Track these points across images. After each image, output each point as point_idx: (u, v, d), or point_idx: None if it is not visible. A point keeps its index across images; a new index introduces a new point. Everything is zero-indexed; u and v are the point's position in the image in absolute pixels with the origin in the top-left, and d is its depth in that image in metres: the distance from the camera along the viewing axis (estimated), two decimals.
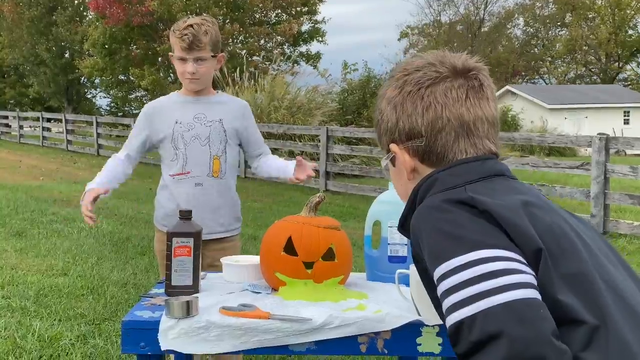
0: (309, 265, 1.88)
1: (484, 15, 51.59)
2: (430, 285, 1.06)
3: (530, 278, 0.92)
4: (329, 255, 1.90)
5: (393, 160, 1.25)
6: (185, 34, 2.50)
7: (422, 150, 1.18)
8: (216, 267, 2.56)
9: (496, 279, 0.90)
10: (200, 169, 2.61)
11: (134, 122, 14.39)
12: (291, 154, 13.26)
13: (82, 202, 2.46)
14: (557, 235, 1.00)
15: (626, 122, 33.79)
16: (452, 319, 0.92)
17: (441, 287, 0.96)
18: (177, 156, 2.62)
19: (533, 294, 0.90)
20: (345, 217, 8.77)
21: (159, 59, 28.75)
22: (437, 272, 0.97)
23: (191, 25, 2.51)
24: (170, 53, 2.64)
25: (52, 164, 16.22)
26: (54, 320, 3.91)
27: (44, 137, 22.84)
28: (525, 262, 0.95)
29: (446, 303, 0.94)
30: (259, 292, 1.92)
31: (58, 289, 4.62)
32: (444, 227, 1.00)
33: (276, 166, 2.80)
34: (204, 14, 2.73)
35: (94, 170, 11.07)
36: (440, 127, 1.15)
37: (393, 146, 1.22)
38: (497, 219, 0.98)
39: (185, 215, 1.89)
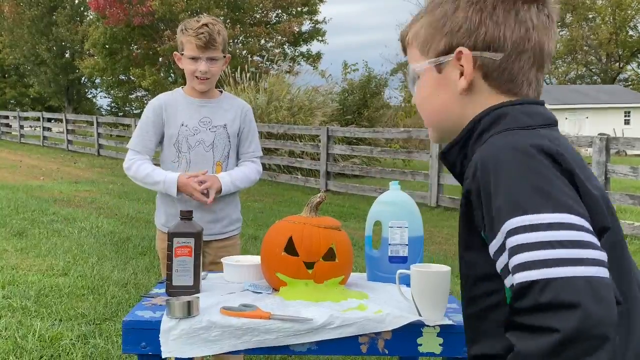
0: (309, 265, 1.88)
1: None
2: (469, 225, 1.02)
3: (605, 257, 0.87)
4: (329, 255, 1.90)
5: (441, 67, 1.11)
6: (202, 33, 2.50)
7: (493, 67, 1.07)
8: (218, 265, 2.57)
9: (580, 249, 0.85)
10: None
11: (135, 122, 14.37)
12: (292, 154, 13.27)
13: (190, 184, 2.47)
14: (610, 208, 0.97)
15: (627, 122, 33.80)
16: (525, 276, 0.85)
17: (514, 239, 0.88)
18: (179, 158, 2.62)
19: (608, 274, 0.86)
20: (345, 217, 8.77)
21: (160, 59, 28.75)
22: (513, 222, 0.88)
23: (206, 24, 2.52)
24: (175, 52, 2.63)
25: (52, 163, 16.23)
26: (55, 320, 3.91)
27: (44, 137, 22.84)
28: (597, 239, 0.89)
29: (519, 257, 0.86)
30: (260, 292, 1.92)
31: (59, 289, 4.62)
32: (532, 177, 0.90)
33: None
34: (205, 14, 2.72)
35: (95, 170, 11.14)
36: (524, 49, 1.06)
37: (464, 50, 1.07)
38: (577, 184, 0.93)
39: (186, 215, 1.89)
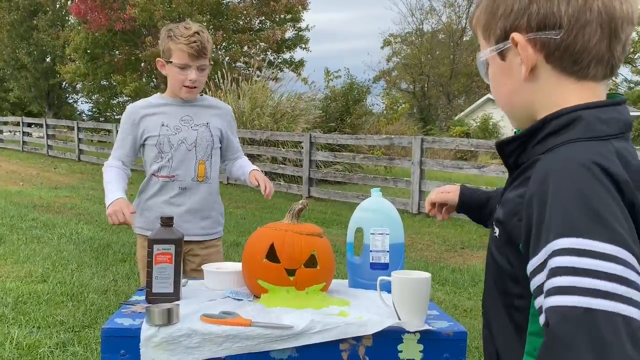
0: (291, 272, 1.87)
1: (465, 24, 52.02)
2: (511, 245, 0.98)
3: None
4: (311, 262, 1.90)
5: (503, 54, 1.03)
6: (194, 41, 2.47)
7: (554, 46, 0.97)
8: (200, 272, 2.55)
9: (627, 288, 0.78)
10: (185, 173, 2.61)
11: (117, 128, 14.30)
12: (274, 161, 13.25)
13: (118, 213, 2.37)
14: None
15: None
16: (564, 301, 0.78)
17: (558, 260, 0.81)
18: (162, 159, 2.61)
19: None
20: (327, 223, 8.78)
21: (142, 64, 28.60)
22: (562, 242, 0.81)
23: (197, 33, 2.50)
24: (159, 59, 2.58)
25: (32, 169, 16.05)
26: (33, 327, 3.86)
27: (24, 142, 22.60)
28: None
29: (559, 280, 0.80)
30: (241, 299, 1.91)
31: (37, 296, 4.56)
32: (592, 199, 0.83)
33: (239, 164, 2.82)
34: (189, 20, 2.71)
35: (75, 176, 11.03)
36: (586, 21, 0.95)
37: (517, 35, 0.99)
38: (638, 218, 0.85)
39: (166, 222, 1.88)
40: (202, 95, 2.74)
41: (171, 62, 2.52)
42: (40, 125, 22.01)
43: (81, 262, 5.79)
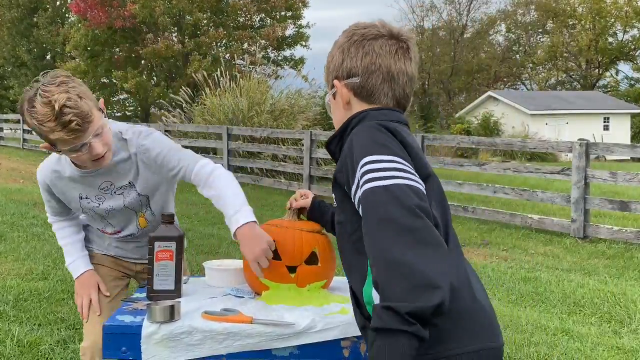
0: (292, 269, 1.88)
1: (466, 21, 51.98)
2: (342, 193, 1.41)
3: (420, 182, 1.31)
4: (312, 259, 1.90)
5: (335, 95, 1.56)
6: (69, 121, 1.86)
7: (357, 87, 1.50)
8: None
9: (404, 173, 1.28)
10: (127, 229, 2.29)
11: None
12: (275, 158, 13.25)
13: (85, 295, 2.22)
14: (423, 162, 1.40)
15: (606, 128, 34.18)
16: (372, 184, 1.27)
17: (365, 167, 1.29)
18: (102, 224, 2.29)
19: (419, 186, 1.29)
20: None
21: (142, 61, 28.60)
22: (365, 159, 1.30)
23: (65, 106, 1.86)
24: (44, 144, 1.98)
25: (32, 166, 16.04)
26: (34, 324, 3.86)
27: (24, 140, 22.58)
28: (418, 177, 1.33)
29: (368, 175, 1.28)
30: (242, 297, 1.91)
31: (38, 293, 4.56)
32: (377, 138, 1.35)
33: (216, 201, 2.10)
34: (43, 85, 1.95)
35: None
36: (372, 70, 1.49)
37: (336, 82, 1.53)
38: (407, 148, 1.36)
39: (167, 219, 1.88)
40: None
41: (60, 150, 1.97)
42: None
43: None
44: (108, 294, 2.28)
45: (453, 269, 1.31)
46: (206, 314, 1.66)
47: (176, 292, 1.85)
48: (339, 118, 1.56)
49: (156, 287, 1.84)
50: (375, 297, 1.24)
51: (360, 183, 1.29)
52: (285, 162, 12.93)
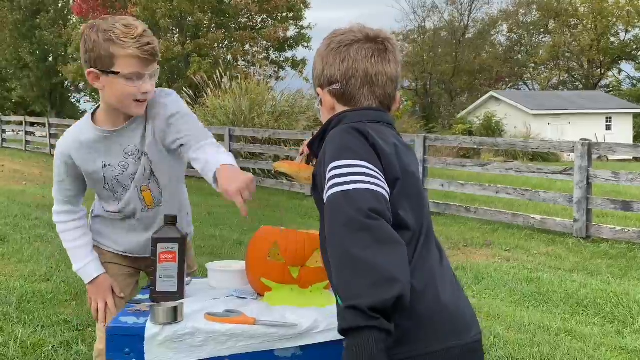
0: (295, 271, 1.88)
1: (468, 21, 51.99)
2: (319, 196, 1.44)
3: (383, 187, 1.34)
4: (314, 260, 1.90)
5: (321, 101, 1.60)
6: (148, 42, 1.95)
7: (338, 93, 1.54)
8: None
9: (368, 177, 1.31)
10: (132, 207, 2.20)
11: None
12: (277, 159, 13.25)
13: (100, 299, 2.18)
14: (409, 173, 1.45)
15: (608, 127, 34.15)
16: (334, 189, 1.31)
17: (332, 172, 1.33)
18: (116, 198, 2.20)
19: (381, 190, 1.32)
20: None
21: None
22: (332, 164, 1.34)
23: (145, 30, 1.97)
24: (91, 70, 1.98)
25: (35, 168, 16.08)
26: (37, 326, 3.87)
27: (27, 142, 22.63)
28: (384, 181, 1.36)
29: (332, 181, 1.32)
30: (245, 298, 1.91)
31: (41, 295, 4.58)
32: (347, 142, 1.38)
33: (202, 162, 1.99)
34: (124, 16, 2.06)
35: None
36: (350, 75, 1.52)
37: (319, 89, 1.58)
38: (378, 151, 1.38)
39: (170, 220, 1.88)
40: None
41: (115, 72, 1.95)
42: (43, 125, 22.03)
43: None
44: (123, 295, 2.23)
45: (417, 269, 1.36)
46: (209, 315, 1.66)
47: (179, 294, 1.86)
48: (325, 120, 1.60)
49: (159, 289, 1.85)
50: None
51: (326, 188, 1.34)
52: None
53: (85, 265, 2.23)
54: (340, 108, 1.55)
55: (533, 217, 8.48)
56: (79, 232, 2.24)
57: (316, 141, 1.58)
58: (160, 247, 1.84)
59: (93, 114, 2.16)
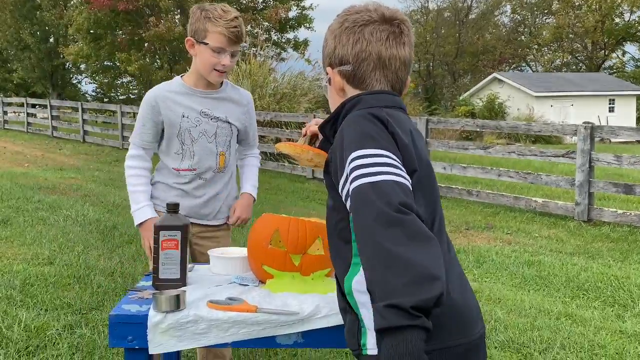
0: (296, 258, 1.88)
1: (471, 2, 51.56)
2: (333, 185, 1.40)
3: (407, 178, 1.30)
4: (315, 248, 1.91)
5: (330, 80, 1.55)
6: (235, 26, 2.43)
7: (349, 74, 1.50)
8: (207, 256, 2.55)
9: (392, 168, 1.27)
10: (207, 165, 2.58)
11: (121, 109, 14.05)
12: (278, 141, 13.24)
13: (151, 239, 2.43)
14: (424, 163, 1.42)
15: (611, 109, 34.00)
16: (361, 181, 1.25)
17: (355, 162, 1.28)
18: (184, 151, 2.56)
19: (406, 182, 1.28)
20: None
21: (145, 44, 28.50)
22: (354, 154, 1.29)
23: (237, 17, 2.46)
24: (189, 38, 2.48)
25: (37, 150, 16.09)
26: (41, 309, 3.90)
27: (28, 123, 22.63)
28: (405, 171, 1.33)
29: (357, 171, 1.26)
30: (247, 285, 1.92)
31: (44, 278, 4.60)
32: (367, 129, 1.33)
33: (243, 172, 2.86)
34: (224, 3, 2.61)
35: (80, 157, 10.96)
36: (363, 58, 1.47)
37: (329, 69, 1.54)
38: (397, 140, 1.34)
39: (173, 208, 1.89)
40: (223, 82, 2.65)
41: (205, 43, 2.44)
42: (45, 107, 22.01)
43: (87, 244, 5.82)
44: None
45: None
46: (211, 303, 1.67)
47: (181, 281, 1.87)
48: (334, 103, 1.57)
49: (162, 276, 1.86)
50: (358, 292, 1.32)
51: (349, 179, 1.28)
52: None
53: (143, 207, 2.52)
54: (349, 90, 1.51)
55: (535, 200, 8.48)
56: (142, 179, 2.57)
57: (328, 124, 1.54)
58: (163, 234, 1.85)
59: (182, 77, 2.62)
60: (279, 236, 1.90)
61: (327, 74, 1.56)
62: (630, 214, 7.49)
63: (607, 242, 6.88)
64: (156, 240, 1.85)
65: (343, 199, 1.33)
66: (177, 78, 2.63)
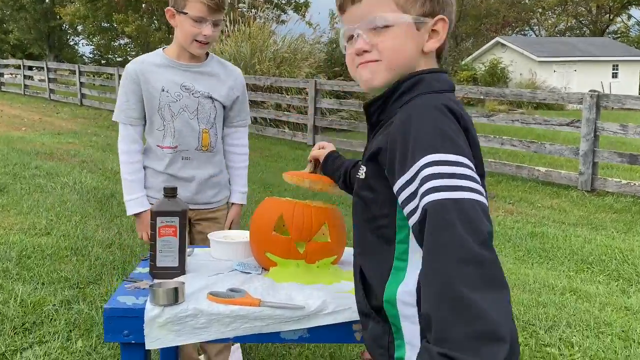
0: (301, 245, 1.79)
1: None
2: (378, 177, 1.23)
3: (485, 194, 1.12)
4: (322, 235, 1.81)
5: (418, 26, 1.25)
6: None
7: (444, 37, 1.27)
8: (205, 237, 2.49)
9: (472, 182, 1.08)
10: (188, 142, 2.45)
11: (119, 71, 13.82)
12: (278, 107, 13.07)
13: (144, 229, 2.49)
14: (480, 158, 1.23)
15: (615, 75, 33.63)
16: (440, 195, 1.05)
17: (430, 169, 1.08)
18: (164, 127, 2.44)
19: (486, 202, 1.10)
20: None
21: (143, 5, 28.02)
22: (428, 158, 1.09)
23: None
24: (169, 8, 2.37)
25: (34, 113, 15.91)
26: (37, 283, 3.82)
27: (25, 86, 22.36)
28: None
29: (433, 182, 1.07)
30: (249, 273, 1.83)
31: (41, 250, 4.52)
32: (444, 127, 1.12)
33: (230, 159, 2.67)
34: None
35: (78, 121, 10.83)
36: (452, 20, 1.29)
37: (446, 18, 1.26)
38: (470, 139, 1.17)
39: (170, 192, 1.78)
40: (207, 54, 2.52)
41: (185, 12, 2.31)
42: (42, 69, 21.70)
43: (85, 214, 5.74)
44: None
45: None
46: (212, 296, 1.58)
47: (180, 269, 1.77)
48: (407, 57, 1.26)
49: (159, 264, 1.76)
50: (404, 303, 1.19)
51: (423, 188, 1.08)
52: (289, 111, 12.75)
53: (138, 197, 2.47)
54: (432, 54, 1.29)
55: (538, 169, 8.38)
56: (136, 165, 2.48)
57: (377, 103, 1.30)
58: (160, 220, 1.75)
59: (164, 49, 2.49)
60: (282, 222, 1.80)
61: (423, 15, 1.25)
62: (635, 184, 7.40)
63: (611, 212, 6.81)
64: (153, 227, 1.75)
65: (400, 202, 1.14)
66: (158, 50, 2.51)
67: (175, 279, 1.63)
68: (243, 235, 2.10)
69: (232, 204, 2.67)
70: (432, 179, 1.07)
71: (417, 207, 1.09)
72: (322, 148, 2.00)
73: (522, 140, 8.69)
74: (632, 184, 7.42)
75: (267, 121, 13.04)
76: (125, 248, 4.66)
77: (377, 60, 1.26)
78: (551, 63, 32.32)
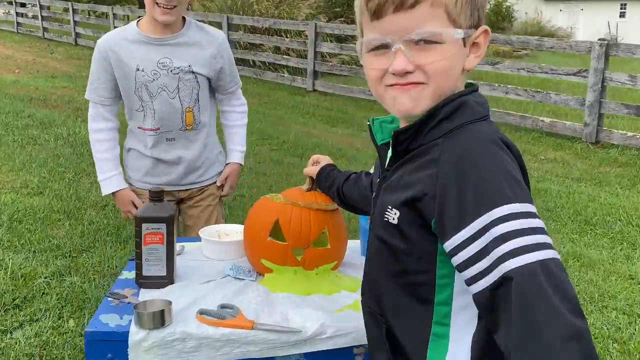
0: (298, 252, 1.67)
1: None
2: (415, 226, 1.02)
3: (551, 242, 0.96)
4: (321, 240, 1.69)
5: (465, 41, 1.04)
6: None
7: (485, 52, 1.08)
8: (195, 221, 2.40)
9: (544, 235, 0.92)
10: (171, 123, 2.29)
11: (113, 11, 13.36)
12: (277, 50, 12.73)
13: (130, 207, 2.38)
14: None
15: (622, 15, 32.80)
16: (522, 260, 0.88)
17: (502, 227, 0.90)
18: (144, 108, 2.27)
19: (557, 253, 0.94)
20: (333, 122, 8.51)
21: None
22: (498, 212, 0.90)
23: None
24: None
25: (28, 54, 15.54)
26: (29, 252, 3.72)
27: (18, 24, 21.78)
28: None
29: (513, 242, 0.89)
30: (242, 279, 1.72)
31: (33, 213, 4.41)
32: (508, 168, 0.95)
33: (226, 126, 2.56)
34: None
35: (72, 62, 10.53)
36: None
37: (488, 29, 1.08)
38: (523, 173, 1.00)
39: (156, 196, 1.64)
40: (188, 21, 2.30)
41: None
42: (35, 5, 21.08)
43: (79, 170, 5.60)
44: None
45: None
46: (201, 316, 1.47)
47: (168, 279, 1.65)
48: (456, 75, 1.05)
49: (145, 273, 1.64)
50: None
51: (500, 251, 0.90)
52: (289, 55, 12.41)
53: (111, 177, 2.34)
54: (461, 78, 1.08)
55: (542, 120, 8.21)
56: (106, 144, 2.33)
57: (408, 132, 1.06)
58: (145, 227, 1.61)
59: (138, 22, 2.29)
60: (279, 227, 1.67)
61: (470, 27, 1.04)
62: None
63: (615, 166, 6.69)
64: (138, 234, 1.62)
65: (456, 256, 0.95)
66: (132, 23, 2.31)
67: (162, 298, 1.50)
68: (237, 230, 1.98)
69: (230, 163, 2.52)
70: (512, 237, 0.89)
71: (489, 272, 0.91)
72: (317, 162, 1.81)
73: (527, 90, 8.47)
74: (637, 137, 7.27)
75: (265, 65, 12.71)
76: (118, 211, 4.54)
77: (421, 84, 1.03)
78: (557, 2, 31.52)
